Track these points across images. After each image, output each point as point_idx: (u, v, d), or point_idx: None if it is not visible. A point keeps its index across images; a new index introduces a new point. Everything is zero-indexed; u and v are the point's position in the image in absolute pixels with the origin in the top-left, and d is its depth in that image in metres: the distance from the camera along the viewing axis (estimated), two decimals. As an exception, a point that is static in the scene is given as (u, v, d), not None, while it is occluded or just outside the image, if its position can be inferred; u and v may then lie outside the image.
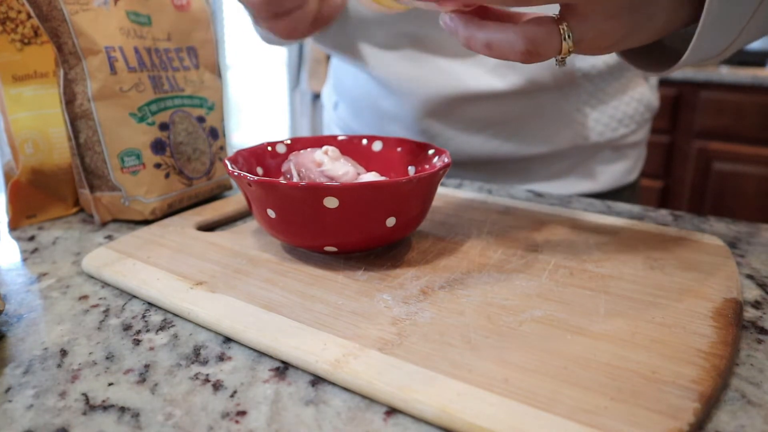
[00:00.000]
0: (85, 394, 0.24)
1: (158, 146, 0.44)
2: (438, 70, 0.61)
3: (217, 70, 0.51)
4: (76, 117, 0.42)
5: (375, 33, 0.62)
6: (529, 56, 0.29)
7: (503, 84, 0.59)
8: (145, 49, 0.44)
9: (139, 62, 0.44)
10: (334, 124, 0.77)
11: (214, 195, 0.50)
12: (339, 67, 0.73)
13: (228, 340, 0.28)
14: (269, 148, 0.41)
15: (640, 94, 0.66)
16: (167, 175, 0.45)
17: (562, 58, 0.30)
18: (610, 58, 0.61)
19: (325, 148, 0.38)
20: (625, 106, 0.65)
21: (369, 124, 0.70)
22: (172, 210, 0.46)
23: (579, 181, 0.66)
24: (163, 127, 0.45)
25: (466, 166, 0.65)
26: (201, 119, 0.48)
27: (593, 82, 0.62)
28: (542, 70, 0.59)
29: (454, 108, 0.62)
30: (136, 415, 0.23)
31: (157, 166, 0.44)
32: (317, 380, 0.25)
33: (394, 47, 0.62)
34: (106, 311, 0.31)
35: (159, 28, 0.46)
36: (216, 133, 0.50)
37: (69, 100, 0.42)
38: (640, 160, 0.71)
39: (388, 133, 0.69)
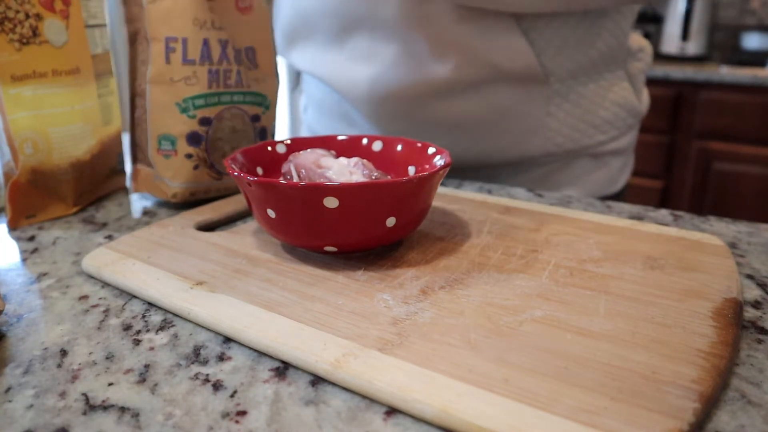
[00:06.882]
0: (85, 394, 0.24)
1: (194, 138, 0.46)
2: (379, 62, 0.57)
3: (275, 72, 0.51)
4: (135, 94, 0.47)
5: (314, 30, 0.60)
6: None
7: (445, 70, 0.55)
8: (220, 41, 0.45)
9: (202, 55, 0.45)
10: (304, 127, 0.75)
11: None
12: (306, 71, 0.71)
13: (228, 340, 0.28)
14: (269, 148, 0.41)
15: (623, 98, 0.61)
16: (196, 167, 0.46)
17: None
18: (583, 58, 0.57)
19: (355, 160, 0.37)
20: (604, 111, 0.60)
21: (331, 129, 0.68)
22: (194, 198, 0.47)
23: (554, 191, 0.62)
24: (204, 122, 0.46)
25: None
26: (256, 118, 0.49)
27: (565, 83, 0.58)
28: (485, 59, 0.54)
29: (408, 107, 0.58)
30: (136, 415, 0.23)
31: (188, 156, 0.46)
32: (317, 380, 0.25)
33: (337, 43, 0.59)
34: (106, 311, 0.31)
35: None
36: (265, 134, 0.50)
37: (134, 78, 0.47)
38: (626, 169, 0.67)
39: None
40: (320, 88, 0.67)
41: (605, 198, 0.65)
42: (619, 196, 0.67)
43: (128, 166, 0.50)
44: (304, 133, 0.76)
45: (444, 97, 0.57)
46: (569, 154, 0.61)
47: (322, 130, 0.70)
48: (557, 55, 0.56)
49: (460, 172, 0.64)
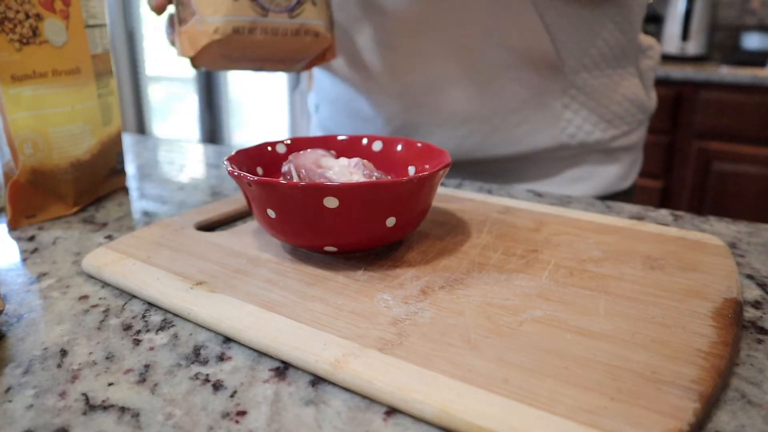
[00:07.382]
0: (85, 394, 0.24)
1: None
2: (392, 53, 0.57)
3: None
4: None
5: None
6: None
7: (461, 56, 0.56)
8: None
9: None
10: (316, 126, 0.75)
11: (299, 45, 0.48)
12: (319, 68, 0.71)
13: (228, 340, 0.28)
14: (269, 148, 0.41)
15: (633, 93, 0.63)
16: None
17: None
18: (593, 48, 0.58)
19: (356, 160, 0.37)
20: (615, 106, 0.62)
21: (345, 126, 0.68)
22: (239, 37, 0.45)
23: (567, 186, 0.63)
24: None
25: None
26: None
27: (579, 75, 0.59)
28: (511, 46, 0.55)
29: (424, 97, 0.59)
30: (136, 415, 0.23)
31: None
32: (317, 380, 0.25)
33: (349, 34, 0.59)
34: (106, 311, 0.31)
35: None
36: None
37: None
38: (635, 167, 0.67)
39: None
40: (333, 84, 0.68)
41: (617, 194, 0.66)
42: (629, 193, 0.68)
43: (174, 28, 0.48)
44: (315, 131, 0.76)
45: (461, 85, 0.58)
46: (582, 147, 0.62)
47: (336, 127, 0.70)
48: (569, 42, 0.57)
49: (474, 164, 0.64)
